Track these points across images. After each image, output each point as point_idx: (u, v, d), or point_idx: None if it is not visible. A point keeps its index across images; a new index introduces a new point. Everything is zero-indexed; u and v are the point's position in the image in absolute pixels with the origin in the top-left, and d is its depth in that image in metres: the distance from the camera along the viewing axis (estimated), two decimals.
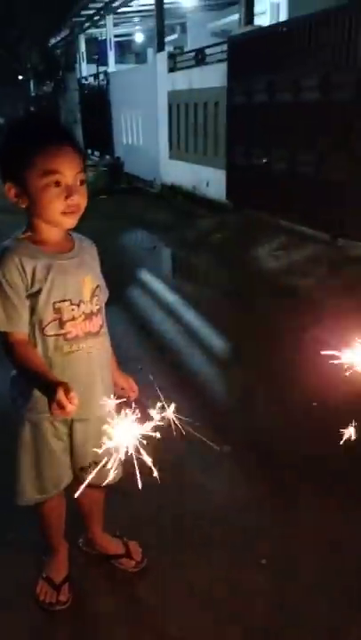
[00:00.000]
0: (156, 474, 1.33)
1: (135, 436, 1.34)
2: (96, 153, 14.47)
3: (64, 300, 1.58)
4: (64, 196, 1.50)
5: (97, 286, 1.67)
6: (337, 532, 2.20)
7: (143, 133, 11.19)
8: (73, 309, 1.59)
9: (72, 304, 1.59)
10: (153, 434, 1.34)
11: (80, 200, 1.53)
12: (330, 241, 5.67)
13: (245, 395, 3.40)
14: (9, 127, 1.62)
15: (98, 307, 1.66)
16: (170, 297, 5.19)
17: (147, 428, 1.35)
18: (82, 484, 1.82)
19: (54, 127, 1.60)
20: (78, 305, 1.60)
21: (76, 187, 1.51)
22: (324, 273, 5.10)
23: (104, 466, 1.73)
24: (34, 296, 1.55)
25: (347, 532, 2.20)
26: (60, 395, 1.35)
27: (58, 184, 1.49)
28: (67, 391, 1.36)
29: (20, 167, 1.49)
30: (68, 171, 1.49)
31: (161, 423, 1.35)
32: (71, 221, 1.57)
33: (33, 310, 1.56)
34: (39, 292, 1.54)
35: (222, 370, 3.80)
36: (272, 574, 2.02)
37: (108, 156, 12.94)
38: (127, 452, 1.33)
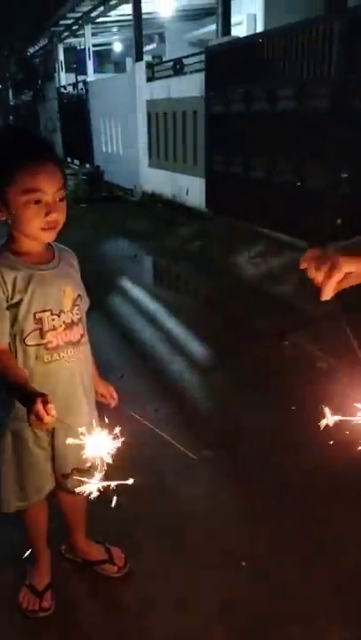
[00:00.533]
0: (131, 480, 1.36)
1: (107, 449, 1.37)
2: (75, 161, 14.49)
3: (45, 311, 1.60)
4: (44, 213, 1.52)
5: (78, 296, 1.69)
6: (317, 534, 2.24)
7: (123, 142, 11.23)
8: (54, 319, 1.61)
9: (52, 314, 1.61)
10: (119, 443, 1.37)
11: (59, 216, 1.56)
12: (308, 248, 5.73)
13: (225, 400, 3.44)
14: None
15: (79, 316, 1.69)
16: (151, 305, 5.22)
17: (118, 443, 1.37)
18: (64, 490, 1.86)
19: (36, 143, 1.59)
20: (59, 315, 1.62)
21: (55, 204, 1.53)
22: (302, 280, 5.17)
23: (86, 472, 1.76)
24: (14, 307, 1.57)
25: (328, 534, 2.24)
26: (39, 406, 1.36)
27: (38, 202, 1.51)
28: (45, 402, 1.37)
29: (1, 183, 1.51)
30: (49, 188, 1.51)
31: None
32: (50, 236, 1.60)
33: (14, 321, 1.58)
34: (20, 302, 1.57)
35: (203, 376, 3.84)
36: (252, 576, 2.05)
37: (87, 165, 12.96)
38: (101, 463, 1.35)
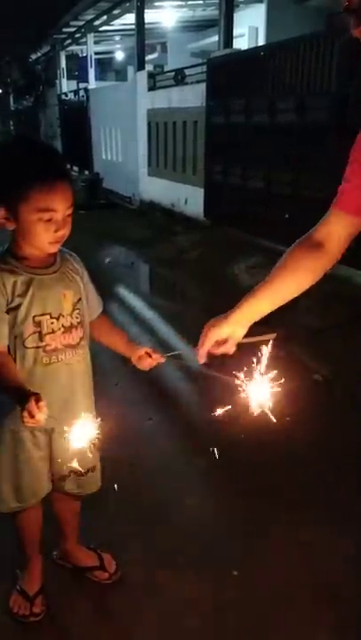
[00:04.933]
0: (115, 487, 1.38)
1: (90, 439, 1.44)
2: (75, 168, 14.53)
3: (44, 314, 1.62)
4: (53, 229, 1.54)
5: (79, 300, 1.71)
6: (310, 546, 2.25)
7: (122, 150, 11.28)
8: (52, 322, 1.63)
9: (52, 317, 1.63)
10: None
11: (66, 232, 1.58)
12: None
13: (221, 410, 3.43)
14: (4, 150, 1.65)
15: (79, 320, 1.70)
16: (147, 313, 5.23)
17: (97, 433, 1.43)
18: (61, 493, 1.87)
19: (53, 161, 1.58)
20: (58, 318, 1.64)
21: (64, 220, 1.56)
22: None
23: (83, 476, 1.77)
24: (14, 310, 1.59)
25: (320, 545, 2.25)
26: (31, 404, 1.39)
27: (49, 220, 1.53)
28: (37, 400, 1.40)
29: (14, 197, 1.51)
30: (62, 208, 1.53)
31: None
32: (55, 249, 1.63)
33: (13, 324, 1.59)
34: (19, 306, 1.59)
35: (198, 384, 3.84)
36: (244, 585, 2.05)
37: (87, 172, 13.00)
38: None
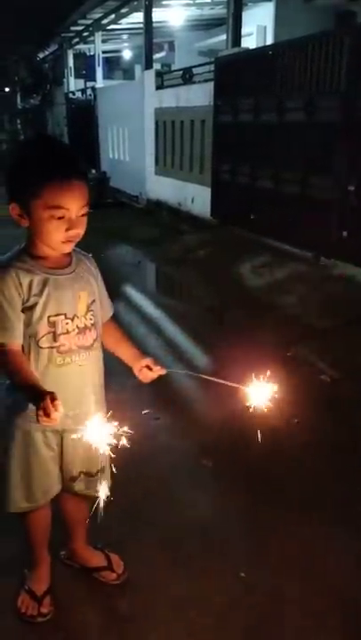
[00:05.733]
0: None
1: (107, 435, 1.43)
2: None
3: (58, 314, 1.62)
4: (65, 228, 1.54)
5: (93, 301, 1.71)
6: (317, 546, 2.24)
7: (129, 149, 11.28)
8: (67, 323, 1.63)
9: (66, 318, 1.63)
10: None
11: (80, 231, 1.58)
12: (312, 260, 5.76)
13: (227, 411, 3.43)
14: (21, 148, 1.66)
15: (92, 321, 1.70)
16: (154, 312, 5.23)
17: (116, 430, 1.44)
18: (71, 494, 1.86)
19: (67, 159, 1.57)
20: (72, 319, 1.65)
21: (78, 219, 1.55)
22: (305, 291, 5.18)
23: (93, 477, 1.77)
24: (29, 309, 1.59)
25: (327, 547, 2.24)
26: (47, 403, 1.39)
27: (61, 218, 1.53)
28: (52, 399, 1.40)
29: (27, 194, 1.52)
30: (74, 206, 1.53)
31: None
32: (68, 248, 1.63)
33: (28, 323, 1.60)
34: (34, 305, 1.59)
35: (204, 385, 3.83)
36: (251, 587, 2.04)
37: (93, 171, 13.01)
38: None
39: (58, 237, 1.56)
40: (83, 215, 1.57)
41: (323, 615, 1.94)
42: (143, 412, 2.89)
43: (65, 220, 1.53)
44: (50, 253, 1.63)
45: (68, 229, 1.54)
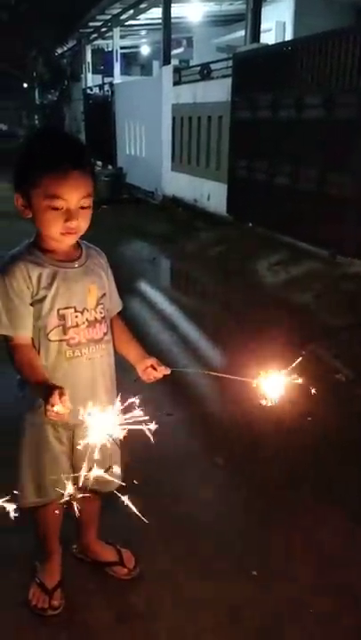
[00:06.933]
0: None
1: (113, 426, 1.42)
2: (99, 163, 14.58)
3: (68, 308, 1.62)
4: (63, 219, 1.53)
5: (103, 295, 1.70)
6: (329, 545, 2.22)
7: (146, 145, 11.28)
8: (77, 316, 1.63)
9: (76, 311, 1.63)
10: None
11: (80, 223, 1.56)
12: (329, 258, 5.72)
13: (240, 408, 3.42)
14: (29, 139, 1.66)
15: (102, 315, 1.70)
16: (168, 308, 5.22)
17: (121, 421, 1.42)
18: (81, 489, 1.86)
19: (70, 148, 1.56)
20: (82, 312, 1.64)
21: (77, 211, 1.54)
22: (321, 289, 5.14)
23: (105, 472, 1.76)
24: (38, 302, 1.59)
25: (342, 546, 2.22)
26: (55, 398, 1.40)
27: (59, 208, 1.52)
28: (61, 395, 1.40)
29: (28, 183, 1.53)
30: (72, 197, 1.51)
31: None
32: (70, 240, 1.61)
33: (38, 316, 1.60)
34: (44, 298, 1.59)
35: (218, 382, 3.82)
36: (262, 586, 2.03)
37: (110, 166, 13.03)
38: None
39: (56, 228, 1.55)
40: (84, 207, 1.55)
41: (337, 615, 1.92)
42: (161, 414, 2.89)
43: (63, 211, 1.52)
44: (57, 246, 1.62)
45: (66, 220, 1.53)
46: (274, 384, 1.60)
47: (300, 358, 1.53)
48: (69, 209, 1.53)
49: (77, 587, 2.00)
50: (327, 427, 3.03)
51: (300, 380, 1.57)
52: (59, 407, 1.40)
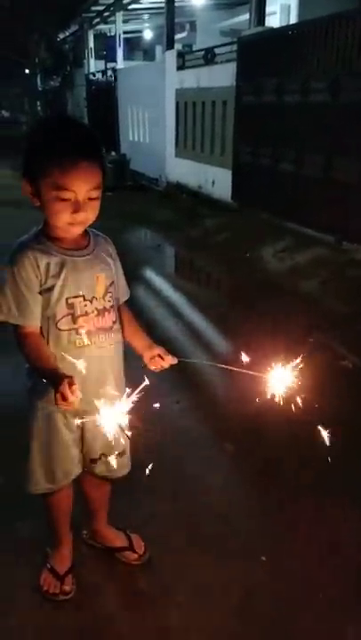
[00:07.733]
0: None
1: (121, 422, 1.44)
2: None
3: (77, 296, 1.61)
4: (71, 210, 1.52)
5: (111, 283, 1.70)
6: (340, 531, 2.23)
7: (150, 131, 11.20)
8: (86, 305, 1.63)
9: (85, 300, 1.63)
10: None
11: (89, 215, 1.56)
12: (334, 244, 5.69)
13: (246, 395, 3.42)
14: (36, 126, 1.65)
15: (111, 303, 1.70)
16: (173, 295, 5.22)
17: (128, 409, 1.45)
18: (91, 475, 1.87)
19: (80, 139, 1.55)
20: (91, 301, 1.64)
21: (85, 203, 1.53)
22: (327, 276, 5.13)
23: (114, 459, 1.77)
24: (47, 291, 1.59)
25: (352, 532, 2.23)
26: (64, 387, 1.41)
27: (67, 199, 1.51)
28: (70, 384, 1.41)
29: (37, 172, 1.51)
30: (81, 188, 1.50)
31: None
32: (76, 231, 1.61)
33: (46, 305, 1.60)
34: (52, 287, 1.59)
35: (225, 371, 3.82)
36: (272, 571, 2.04)
37: (113, 153, 12.95)
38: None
39: (64, 219, 1.54)
40: (92, 199, 1.54)
41: (348, 602, 1.93)
42: (170, 401, 2.89)
43: (71, 203, 1.51)
44: (65, 235, 1.62)
45: (74, 212, 1.52)
46: (282, 376, 1.60)
47: (307, 352, 1.53)
48: (77, 200, 1.51)
49: (88, 572, 2.02)
50: (334, 413, 3.03)
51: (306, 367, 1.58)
52: (68, 396, 1.41)
